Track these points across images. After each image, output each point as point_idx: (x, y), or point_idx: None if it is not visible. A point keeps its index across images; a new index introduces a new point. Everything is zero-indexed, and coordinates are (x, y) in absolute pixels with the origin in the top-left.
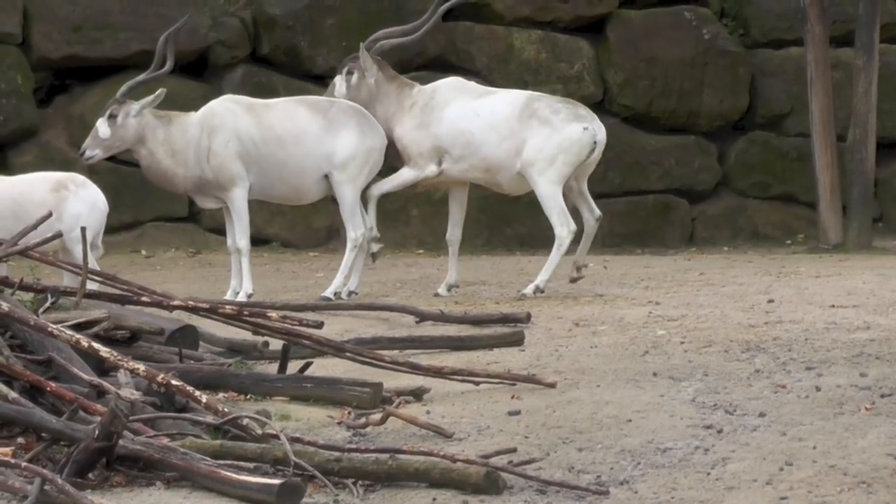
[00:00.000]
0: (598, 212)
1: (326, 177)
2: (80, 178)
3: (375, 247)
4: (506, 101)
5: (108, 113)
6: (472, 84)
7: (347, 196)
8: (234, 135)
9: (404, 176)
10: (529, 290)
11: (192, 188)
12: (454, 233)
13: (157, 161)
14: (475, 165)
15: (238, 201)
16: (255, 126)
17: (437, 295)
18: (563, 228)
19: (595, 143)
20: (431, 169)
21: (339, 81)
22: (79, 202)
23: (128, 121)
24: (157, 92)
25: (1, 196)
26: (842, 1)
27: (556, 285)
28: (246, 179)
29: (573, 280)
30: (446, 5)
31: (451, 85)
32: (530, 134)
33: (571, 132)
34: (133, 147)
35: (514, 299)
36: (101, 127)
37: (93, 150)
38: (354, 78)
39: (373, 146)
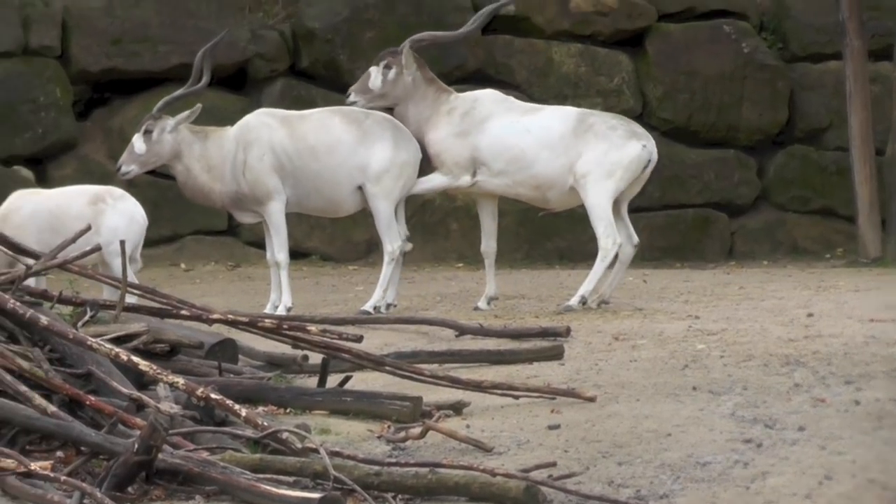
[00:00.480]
0: (636, 238)
1: (361, 188)
2: (117, 191)
3: (407, 246)
4: (558, 118)
5: (143, 128)
6: (513, 98)
7: (382, 209)
8: (268, 148)
9: (435, 181)
10: (574, 301)
11: (230, 203)
12: (489, 244)
13: (193, 176)
14: (522, 181)
15: (275, 215)
16: (289, 138)
17: (476, 308)
18: (608, 240)
19: (649, 161)
20: (465, 179)
21: (374, 73)
22: (116, 215)
23: (163, 136)
24: (194, 108)
25: (38, 209)
26: (881, 15)
27: (596, 299)
28: (283, 193)
29: (598, 305)
30: (489, 9)
31: (492, 97)
32: (586, 148)
33: (631, 149)
34: (169, 162)
35: (555, 312)
36: (137, 142)
37: (129, 166)
38: (392, 73)
39: (407, 160)
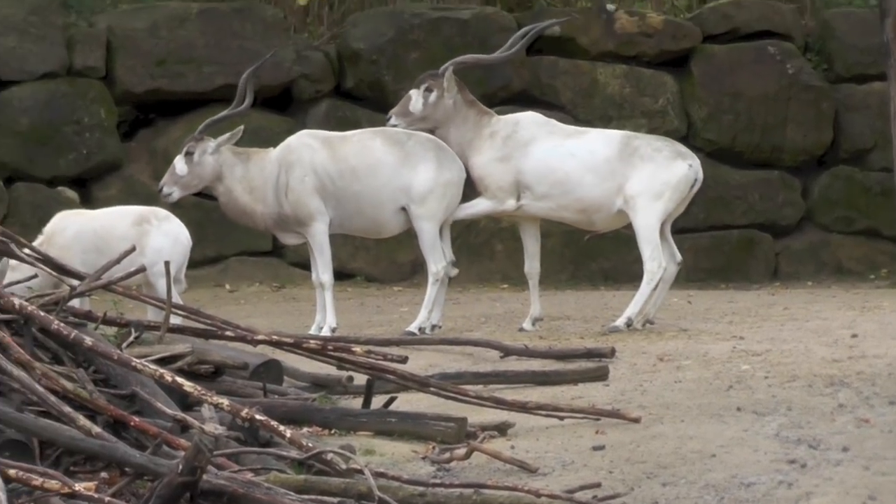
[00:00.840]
0: (679, 256)
1: (405, 209)
2: (162, 212)
3: (453, 272)
4: (602, 142)
5: (185, 150)
6: (554, 121)
7: (426, 230)
8: (310, 170)
9: (481, 206)
10: (620, 323)
11: (273, 224)
12: (532, 265)
13: (234, 198)
14: (567, 205)
15: (318, 236)
16: (331, 159)
17: (521, 329)
18: (653, 263)
19: (696, 180)
20: (510, 203)
21: (415, 96)
22: (161, 236)
23: (205, 158)
24: (236, 129)
25: (83, 230)
26: None
27: (642, 319)
28: (325, 214)
29: (643, 325)
30: (533, 31)
31: (534, 120)
32: (633, 172)
33: (678, 169)
34: (211, 184)
35: (601, 334)
36: (179, 164)
37: (170, 188)
38: (433, 96)
39: (451, 180)
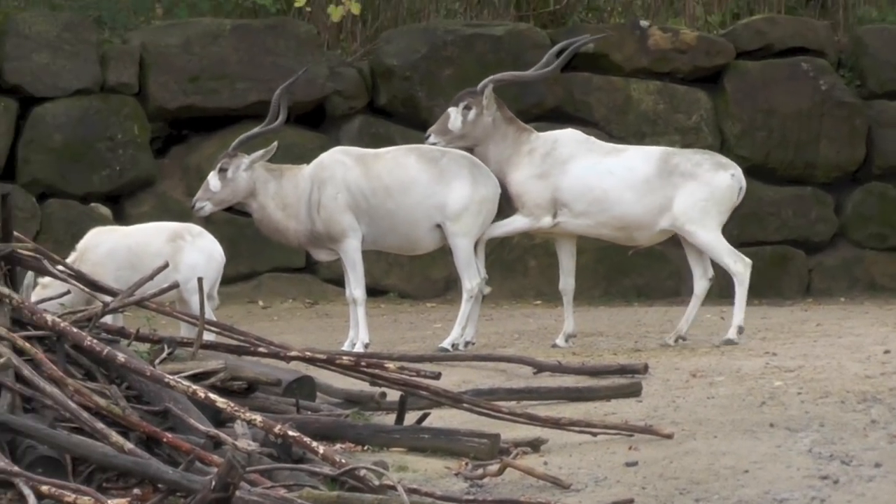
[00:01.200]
0: (711, 272)
1: (440, 227)
2: (196, 228)
3: (486, 290)
4: (641, 159)
5: (218, 167)
6: (594, 138)
7: (461, 247)
8: (343, 186)
9: (517, 223)
10: (733, 334)
11: (305, 241)
12: (567, 282)
13: (268, 215)
14: (605, 222)
15: (351, 252)
16: (364, 177)
17: (554, 346)
18: (738, 265)
19: (740, 188)
20: (546, 220)
21: (454, 113)
22: (195, 252)
23: (238, 174)
24: (270, 146)
25: (116, 246)
26: None
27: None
28: (358, 230)
29: (675, 341)
30: (571, 48)
31: (573, 138)
32: (676, 192)
33: (720, 181)
34: (244, 200)
35: (633, 349)
36: (212, 180)
37: (203, 203)
38: (472, 114)
39: (486, 196)
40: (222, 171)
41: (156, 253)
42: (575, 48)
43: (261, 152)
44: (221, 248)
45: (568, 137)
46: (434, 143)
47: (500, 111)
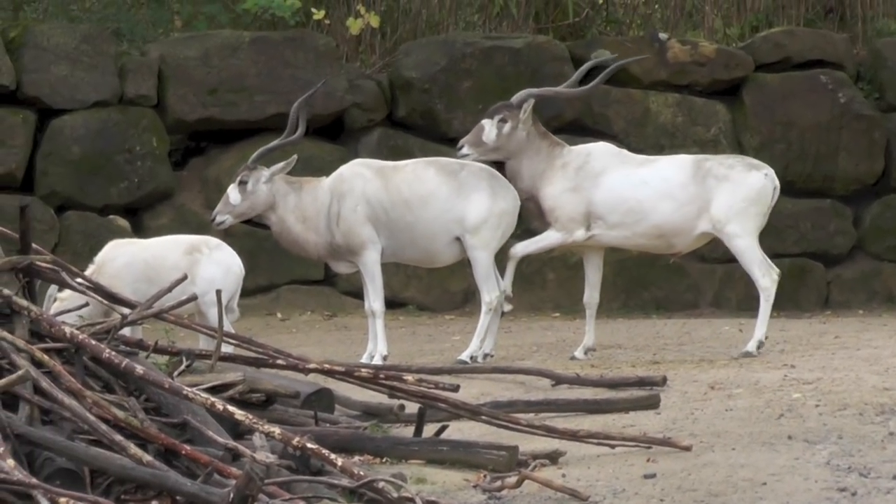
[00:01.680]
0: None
1: (459, 239)
2: (214, 240)
3: (507, 307)
4: (674, 167)
5: (238, 179)
6: (626, 151)
7: (481, 259)
8: (362, 199)
9: (550, 239)
10: (752, 347)
11: (325, 253)
12: (592, 296)
13: (287, 227)
14: (643, 233)
15: (370, 265)
16: (384, 189)
17: (573, 358)
18: (766, 279)
19: (774, 188)
20: (579, 233)
21: (488, 126)
22: (212, 265)
23: (258, 187)
24: (289, 158)
25: (134, 259)
26: None
27: (693, 348)
28: (377, 243)
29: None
30: (611, 69)
31: (606, 150)
32: (713, 195)
33: (754, 181)
34: (264, 213)
35: (652, 361)
36: (232, 193)
37: (223, 216)
38: (507, 127)
39: (505, 209)
40: (242, 183)
41: (173, 266)
42: (614, 68)
43: (281, 165)
44: (240, 261)
45: (601, 150)
46: (466, 155)
47: (534, 125)
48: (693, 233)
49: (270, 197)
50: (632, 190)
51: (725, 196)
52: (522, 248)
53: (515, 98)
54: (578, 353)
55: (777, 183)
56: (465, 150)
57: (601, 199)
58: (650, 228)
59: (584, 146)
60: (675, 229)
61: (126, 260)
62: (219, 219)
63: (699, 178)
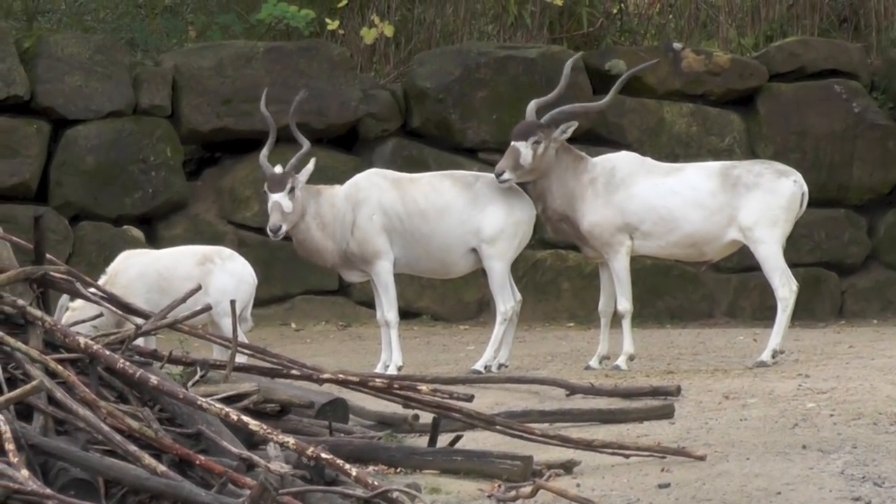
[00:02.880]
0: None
1: (474, 250)
2: (226, 251)
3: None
4: (702, 175)
5: (288, 187)
6: (649, 159)
7: (497, 270)
8: (378, 208)
9: (618, 267)
10: (766, 357)
11: (339, 262)
12: (608, 304)
13: (311, 235)
14: (676, 242)
15: (383, 275)
16: (400, 200)
17: (588, 368)
18: (785, 289)
19: (803, 194)
20: (627, 244)
21: (523, 149)
22: (225, 275)
23: (299, 193)
24: (309, 165)
25: (146, 270)
26: None
27: (707, 358)
28: (391, 253)
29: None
30: (624, 77)
31: (630, 160)
32: (742, 202)
33: (785, 188)
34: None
35: (667, 371)
36: (283, 202)
37: (280, 223)
38: (542, 147)
39: (521, 218)
40: (292, 190)
41: (185, 276)
42: (628, 76)
43: (305, 172)
44: (253, 271)
45: (624, 160)
46: (507, 180)
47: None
48: (723, 240)
49: (304, 203)
50: (661, 199)
51: (755, 204)
52: (625, 302)
53: (546, 118)
54: (593, 363)
55: (805, 188)
56: (506, 176)
57: (633, 209)
58: (682, 237)
59: (606, 157)
60: (706, 237)
61: (138, 270)
62: (282, 231)
63: (728, 186)
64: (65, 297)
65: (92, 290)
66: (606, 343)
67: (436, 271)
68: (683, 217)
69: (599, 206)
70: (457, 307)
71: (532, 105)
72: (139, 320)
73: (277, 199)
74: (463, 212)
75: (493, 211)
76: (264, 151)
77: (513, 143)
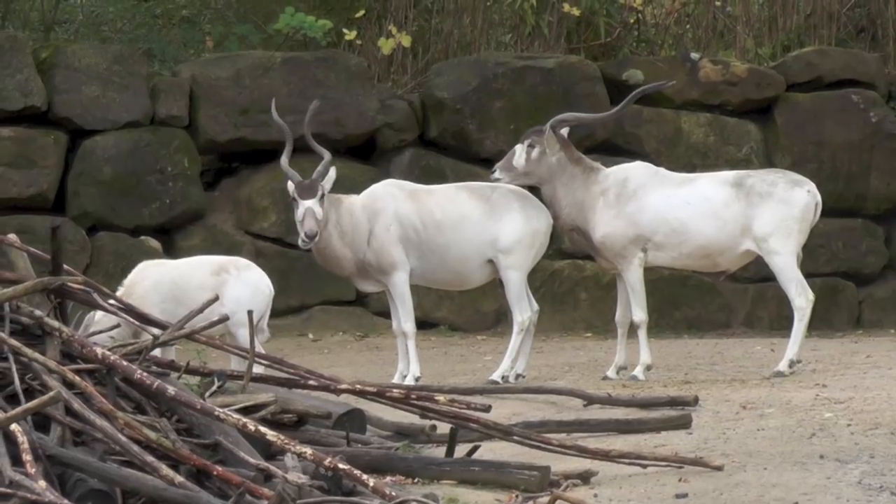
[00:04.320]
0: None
1: (491, 261)
2: (242, 261)
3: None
4: (716, 185)
5: (319, 195)
6: (662, 170)
7: (514, 280)
8: (395, 219)
9: (632, 278)
10: (784, 367)
11: (355, 271)
12: (624, 314)
13: (332, 243)
14: (690, 253)
15: (400, 285)
16: (416, 212)
17: (605, 378)
18: (801, 299)
19: (817, 203)
20: (640, 256)
21: (518, 150)
22: (240, 285)
23: (325, 201)
24: (331, 174)
25: (161, 280)
26: None
27: (724, 368)
28: (407, 264)
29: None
30: (637, 92)
31: (643, 171)
32: (756, 212)
33: (798, 198)
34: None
35: (684, 381)
36: (317, 208)
37: (316, 229)
38: (535, 152)
39: (538, 228)
40: (322, 197)
41: (199, 286)
42: (639, 92)
43: (329, 181)
44: (269, 281)
45: (637, 171)
46: (498, 179)
47: (564, 151)
48: (737, 251)
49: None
50: (674, 210)
51: (769, 214)
52: (640, 312)
53: (549, 123)
54: (611, 373)
55: (819, 198)
56: (496, 174)
57: (646, 221)
58: (696, 248)
59: (619, 168)
60: (719, 248)
61: (154, 280)
62: (318, 236)
63: (742, 196)
64: (89, 315)
65: (110, 301)
66: (624, 353)
67: (451, 283)
68: (696, 228)
69: (611, 217)
70: (474, 317)
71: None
72: (155, 330)
73: (310, 205)
74: (479, 223)
75: (510, 221)
76: (285, 158)
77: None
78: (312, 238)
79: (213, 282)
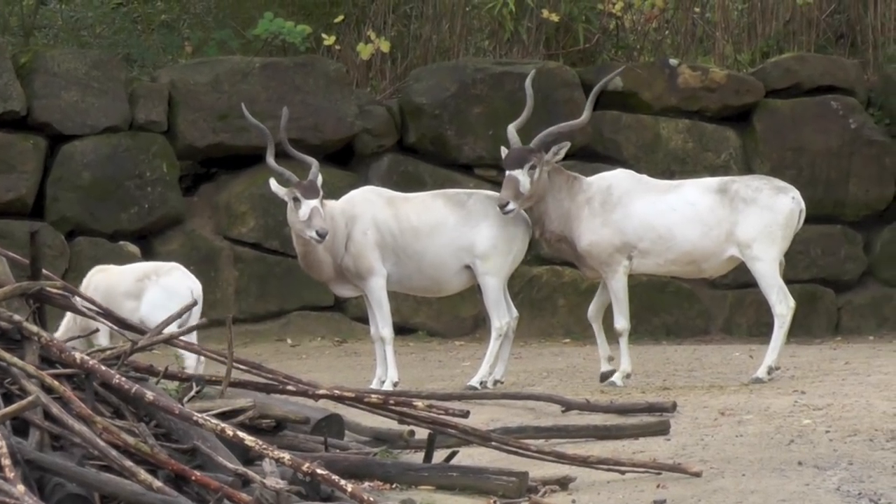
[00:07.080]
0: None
1: (468, 267)
2: (167, 266)
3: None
4: (701, 191)
5: (319, 201)
6: (645, 177)
7: (491, 286)
8: (372, 224)
9: (616, 287)
10: (762, 373)
11: (333, 275)
12: (597, 311)
13: (314, 247)
14: (675, 259)
15: (377, 291)
16: (393, 217)
17: (604, 379)
18: (782, 306)
19: (801, 210)
20: (625, 264)
21: (521, 176)
22: (157, 290)
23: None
24: (318, 178)
25: (98, 286)
26: None
27: (703, 374)
28: (384, 269)
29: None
30: (598, 87)
31: (626, 178)
32: (740, 217)
33: (782, 205)
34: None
35: (662, 388)
36: (321, 208)
37: (325, 227)
38: (537, 173)
39: (515, 234)
40: (322, 198)
41: (125, 292)
42: (598, 89)
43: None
44: (197, 285)
45: (620, 179)
46: (510, 211)
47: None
48: (722, 257)
49: None
50: (660, 217)
51: (753, 220)
52: (622, 320)
53: (535, 142)
54: (617, 378)
55: (803, 205)
56: (511, 206)
57: (632, 228)
58: (681, 255)
59: (601, 176)
60: (704, 254)
61: (94, 286)
62: (327, 234)
63: (726, 202)
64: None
65: (87, 305)
66: (605, 345)
67: (428, 289)
68: (682, 234)
69: (597, 225)
70: (453, 323)
71: (511, 129)
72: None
73: (316, 204)
74: (455, 229)
75: (487, 227)
76: (270, 158)
77: (508, 172)
78: (324, 236)
79: (136, 288)
